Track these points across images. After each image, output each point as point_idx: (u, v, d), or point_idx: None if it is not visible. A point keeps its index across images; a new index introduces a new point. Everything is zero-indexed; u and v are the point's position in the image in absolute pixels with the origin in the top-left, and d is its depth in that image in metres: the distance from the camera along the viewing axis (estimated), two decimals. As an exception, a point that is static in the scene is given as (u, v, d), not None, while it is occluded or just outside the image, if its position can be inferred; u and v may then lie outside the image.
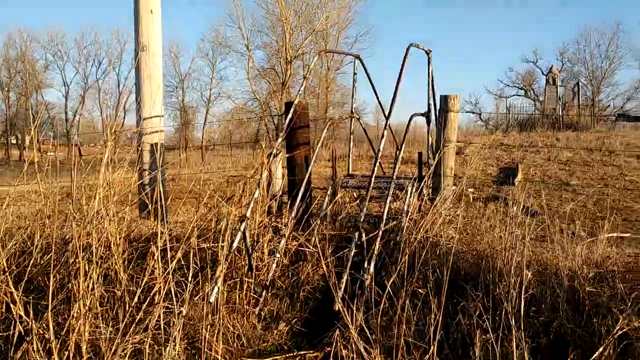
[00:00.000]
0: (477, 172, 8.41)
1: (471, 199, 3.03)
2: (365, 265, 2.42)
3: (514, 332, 2.13)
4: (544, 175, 8.27)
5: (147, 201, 2.81)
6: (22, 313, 2.33)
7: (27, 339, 2.31)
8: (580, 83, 28.64)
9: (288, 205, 3.22)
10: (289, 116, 2.92)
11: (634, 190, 6.97)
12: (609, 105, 34.04)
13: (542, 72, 36.77)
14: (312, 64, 3.21)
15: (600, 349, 2.03)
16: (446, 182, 3.36)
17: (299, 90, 3.07)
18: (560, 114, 16.59)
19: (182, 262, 2.60)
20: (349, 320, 2.16)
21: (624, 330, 2.06)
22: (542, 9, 58.26)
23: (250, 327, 2.60)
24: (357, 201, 3.75)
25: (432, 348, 2.02)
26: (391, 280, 2.27)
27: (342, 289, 2.25)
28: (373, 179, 2.55)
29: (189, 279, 2.35)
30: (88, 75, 44.77)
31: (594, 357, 2.02)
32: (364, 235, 2.38)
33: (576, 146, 10.85)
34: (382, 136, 2.61)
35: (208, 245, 2.61)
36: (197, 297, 2.53)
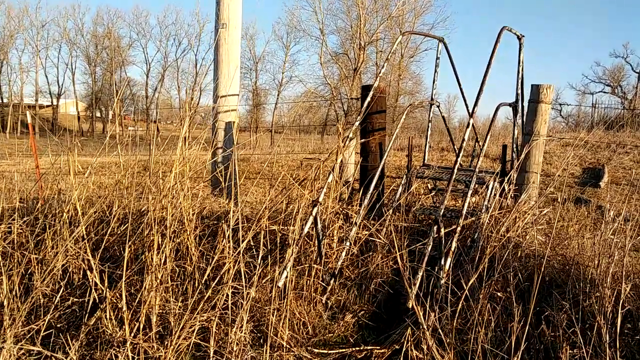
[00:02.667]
0: (558, 171, 7.91)
1: (559, 200, 2.78)
2: (442, 262, 2.26)
3: (607, 349, 1.92)
4: (634, 179, 7.63)
5: (220, 179, 2.80)
6: (97, 280, 2.39)
7: (101, 306, 2.37)
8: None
9: (360, 193, 3.11)
10: (367, 100, 2.79)
11: None
12: None
13: (633, 69, 34.04)
14: (396, 45, 3.05)
15: None
16: (532, 179, 3.11)
17: (379, 72, 2.93)
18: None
19: (252, 243, 2.58)
20: (422, 319, 2.03)
21: None
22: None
23: (316, 316, 2.53)
24: (432, 193, 3.58)
25: (514, 359, 1.85)
26: (471, 282, 2.11)
27: (417, 286, 2.11)
28: (455, 171, 2.38)
29: (258, 260, 2.31)
30: (168, 54, 46.59)
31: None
32: (442, 229, 2.23)
33: (671, 149, 9.94)
34: (468, 125, 2.43)
35: (278, 227, 2.55)
36: (264, 280, 2.50)
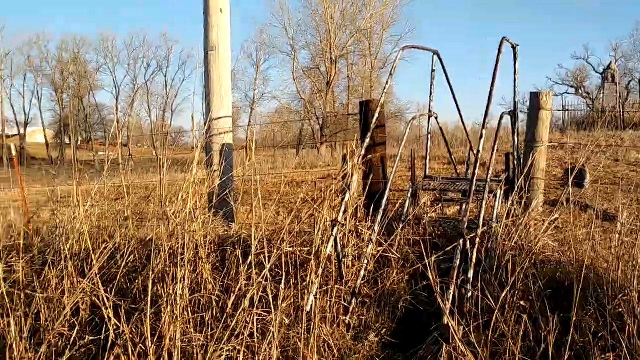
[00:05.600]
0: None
1: (563, 203, 2.82)
2: (469, 275, 2.25)
3: (643, 352, 1.93)
4: (614, 177, 7.84)
5: (230, 201, 2.75)
6: (112, 316, 2.29)
7: (118, 343, 2.27)
8: (638, 80, 27.33)
9: (371, 209, 3.09)
10: (376, 116, 2.78)
11: None
12: (664, 104, 32.35)
13: (594, 69, 35.35)
14: (397, 61, 3.04)
15: None
16: (538, 184, 3.15)
17: (385, 89, 2.93)
18: (621, 112, 15.80)
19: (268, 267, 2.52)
20: (457, 335, 2.01)
21: None
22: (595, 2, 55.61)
23: (340, 337, 2.48)
24: (438, 205, 3.59)
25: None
26: (504, 293, 2.11)
27: (450, 301, 2.09)
28: (463, 182, 2.38)
29: (282, 285, 2.26)
30: (137, 77, 45.99)
31: None
32: (468, 242, 2.22)
33: (643, 146, 10.28)
34: (481, 136, 2.44)
35: (297, 249, 2.51)
36: (285, 305, 2.44)
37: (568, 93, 36.37)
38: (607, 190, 6.82)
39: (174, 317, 2.23)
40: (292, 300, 2.40)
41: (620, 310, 2.18)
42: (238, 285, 2.31)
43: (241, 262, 2.49)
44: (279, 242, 2.59)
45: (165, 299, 2.33)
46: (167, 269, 2.43)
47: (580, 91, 36.74)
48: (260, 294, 2.31)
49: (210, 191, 3.33)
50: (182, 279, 2.30)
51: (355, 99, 29.92)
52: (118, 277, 2.62)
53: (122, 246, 3.01)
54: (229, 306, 2.29)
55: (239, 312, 2.23)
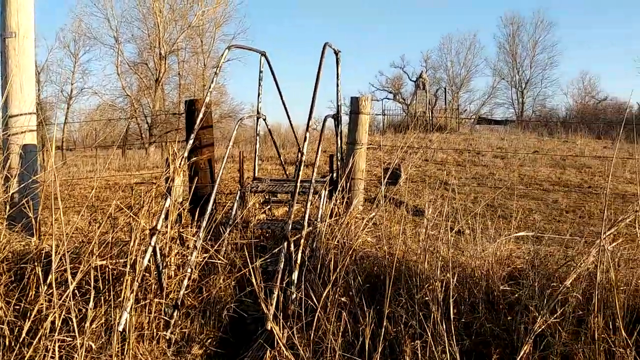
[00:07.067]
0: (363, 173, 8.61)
1: (381, 202, 3.04)
2: (293, 277, 2.26)
3: (445, 337, 2.14)
4: (424, 175, 8.76)
5: (28, 212, 2.37)
6: None
7: None
8: (444, 88, 31.29)
9: (196, 214, 2.95)
10: (201, 116, 2.65)
11: (501, 188, 7.65)
12: (465, 110, 37.51)
13: (409, 77, 39.49)
14: (223, 59, 2.96)
15: (525, 348, 2.10)
16: (358, 185, 3.34)
17: (210, 87, 2.81)
18: (430, 117, 17.86)
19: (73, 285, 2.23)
20: (281, 339, 1.99)
21: (542, 327, 2.16)
22: (411, 15, 61.85)
23: (160, 354, 2.31)
24: (268, 207, 3.58)
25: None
26: (325, 292, 2.15)
27: (274, 306, 2.07)
28: (292, 183, 2.40)
29: (91, 304, 2.01)
30: None
31: (520, 356, 2.08)
32: (292, 245, 2.23)
33: (447, 147, 11.72)
34: (305, 139, 2.48)
35: (111, 262, 2.26)
36: (95, 325, 2.18)
37: (388, 98, 39.97)
38: (418, 187, 7.57)
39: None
40: (103, 320, 2.16)
41: (427, 299, 2.39)
42: (36, 308, 2.00)
43: (42, 281, 2.17)
44: (89, 255, 2.32)
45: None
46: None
47: (397, 97, 40.65)
48: (64, 315, 2.03)
49: (5, 200, 2.85)
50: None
51: (187, 98, 28.89)
52: None
53: None
54: (24, 333, 1.97)
55: (37, 339, 1.93)
